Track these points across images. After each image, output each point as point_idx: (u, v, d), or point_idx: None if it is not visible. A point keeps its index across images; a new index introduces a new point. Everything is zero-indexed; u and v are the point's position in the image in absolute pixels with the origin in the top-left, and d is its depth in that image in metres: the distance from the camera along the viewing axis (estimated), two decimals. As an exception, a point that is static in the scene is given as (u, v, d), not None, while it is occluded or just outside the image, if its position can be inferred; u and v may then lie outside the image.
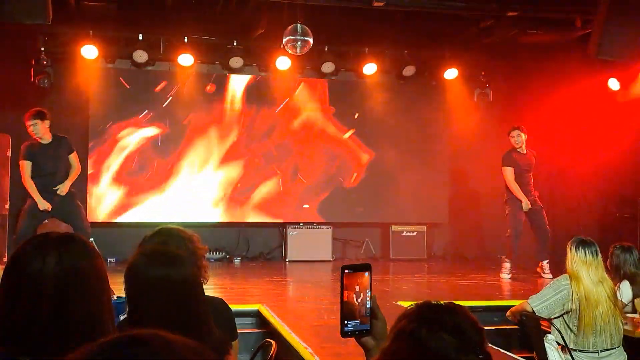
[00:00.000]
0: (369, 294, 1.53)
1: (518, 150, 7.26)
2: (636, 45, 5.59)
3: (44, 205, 6.09)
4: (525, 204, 7.09)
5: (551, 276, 6.93)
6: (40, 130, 6.17)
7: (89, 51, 7.96)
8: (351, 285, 1.51)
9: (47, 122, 6.24)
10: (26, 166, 6.17)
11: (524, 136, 7.23)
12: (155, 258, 1.85)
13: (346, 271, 1.50)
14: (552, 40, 8.00)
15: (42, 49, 7.89)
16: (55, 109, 8.11)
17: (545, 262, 7.23)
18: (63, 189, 6.25)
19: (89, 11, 7.85)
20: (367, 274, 1.53)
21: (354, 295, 1.51)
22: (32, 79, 7.84)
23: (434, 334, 1.21)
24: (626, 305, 4.16)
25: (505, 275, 7.15)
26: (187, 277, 1.83)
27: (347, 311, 1.51)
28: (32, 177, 6.18)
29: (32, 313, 1.29)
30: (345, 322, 1.52)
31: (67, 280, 1.32)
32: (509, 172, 7.22)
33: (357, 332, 1.54)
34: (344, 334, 1.53)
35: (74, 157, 6.46)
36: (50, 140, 6.28)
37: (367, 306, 1.54)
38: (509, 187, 7.23)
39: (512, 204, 7.19)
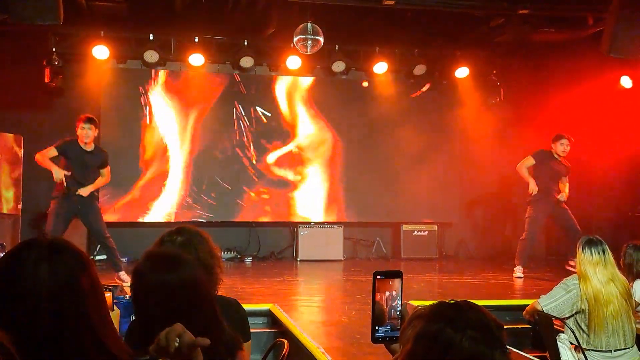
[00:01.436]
0: (399, 300, 1.56)
1: (555, 156, 7.22)
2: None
3: (59, 174, 6.12)
4: (532, 187, 7.03)
5: None
6: (91, 136, 6.33)
7: (100, 52, 8.02)
8: (382, 289, 1.53)
9: (96, 131, 6.43)
10: (51, 152, 6.26)
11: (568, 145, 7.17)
12: (158, 263, 1.85)
13: (378, 277, 1.54)
14: (564, 39, 7.96)
15: (54, 49, 7.95)
16: (66, 110, 8.23)
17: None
18: (85, 191, 6.32)
19: (100, 12, 7.90)
20: (398, 280, 1.56)
21: (385, 300, 1.54)
22: (47, 80, 7.91)
23: (461, 332, 1.21)
24: (639, 304, 4.14)
25: (519, 274, 7.13)
26: (189, 281, 1.82)
27: (378, 315, 1.54)
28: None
29: (28, 326, 1.25)
30: (377, 327, 1.54)
31: (61, 293, 1.27)
32: (527, 160, 7.20)
33: (387, 338, 1.56)
34: (375, 340, 1.56)
35: (106, 171, 6.61)
36: (91, 149, 6.39)
37: (398, 310, 1.56)
38: (518, 170, 7.18)
39: (534, 207, 7.16)
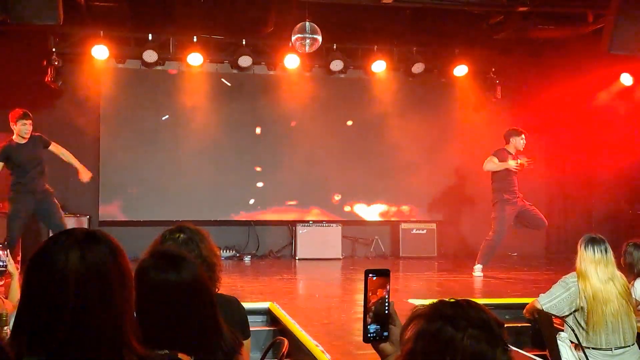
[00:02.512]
0: (387, 299, 1.52)
1: (512, 152, 7.14)
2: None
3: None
4: (514, 163, 6.92)
5: None
6: (30, 131, 6.18)
7: (100, 51, 8.01)
8: (374, 289, 1.49)
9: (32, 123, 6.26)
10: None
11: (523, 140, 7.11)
12: (161, 261, 1.84)
13: (370, 275, 1.49)
14: (563, 36, 7.92)
15: (54, 49, 7.94)
16: (66, 109, 8.22)
17: None
18: (85, 175, 6.32)
19: (99, 12, 7.88)
20: (387, 279, 1.52)
21: (376, 300, 1.50)
22: (48, 80, 7.89)
23: (462, 331, 1.19)
24: (640, 303, 4.11)
25: (479, 273, 7.04)
26: (192, 281, 1.81)
27: (370, 314, 1.50)
28: (14, 177, 6.22)
29: (55, 309, 1.29)
30: (368, 327, 1.50)
31: (89, 276, 1.32)
32: (495, 159, 7.03)
33: (377, 338, 1.52)
34: (367, 339, 1.51)
35: (54, 147, 6.37)
36: (26, 141, 6.24)
37: (386, 309, 1.52)
38: (496, 167, 6.98)
39: (499, 207, 7.02)
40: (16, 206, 6.19)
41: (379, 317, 1.51)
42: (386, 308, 1.52)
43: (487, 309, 1.27)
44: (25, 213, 6.23)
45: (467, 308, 1.24)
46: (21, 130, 6.15)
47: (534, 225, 7.20)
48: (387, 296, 1.52)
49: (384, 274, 1.51)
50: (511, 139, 7.14)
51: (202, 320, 1.79)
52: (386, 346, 1.52)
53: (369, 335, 1.50)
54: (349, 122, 9.10)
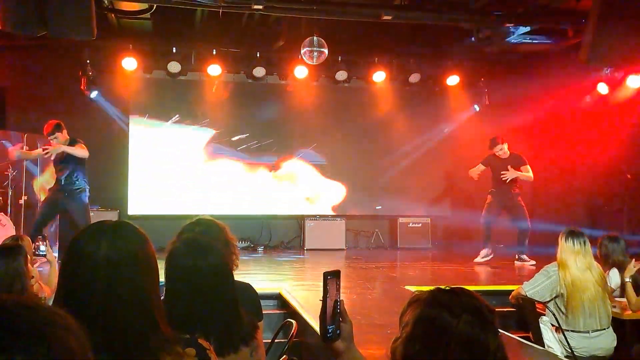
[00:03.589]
0: (339, 298, 1.45)
1: (498, 155, 7.23)
2: (624, 52, 5.48)
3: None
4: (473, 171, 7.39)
5: (534, 262, 6.85)
6: (57, 143, 6.18)
7: (129, 63, 8.04)
8: (331, 290, 1.43)
9: (64, 131, 6.22)
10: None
11: (506, 146, 7.18)
12: (191, 248, 1.85)
13: (329, 277, 1.41)
14: (546, 49, 7.89)
15: (88, 61, 7.98)
16: (99, 115, 8.26)
17: (523, 255, 7.13)
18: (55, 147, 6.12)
19: (129, 27, 7.92)
20: (338, 279, 1.45)
21: (333, 300, 1.43)
22: (82, 88, 7.93)
23: (457, 317, 1.19)
24: (614, 290, 4.09)
25: (480, 259, 7.14)
26: (217, 267, 1.83)
27: (330, 315, 1.42)
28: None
29: (87, 291, 1.30)
30: (328, 327, 1.42)
31: (118, 261, 1.32)
32: (480, 165, 7.42)
33: (333, 337, 1.44)
34: (326, 339, 1.43)
35: (78, 146, 6.23)
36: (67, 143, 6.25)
37: (338, 310, 1.45)
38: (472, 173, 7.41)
39: (491, 196, 7.27)
40: (48, 196, 6.40)
41: (334, 316, 1.44)
42: (338, 307, 1.45)
43: (479, 296, 1.26)
44: (54, 204, 6.26)
45: (461, 295, 1.23)
46: (55, 144, 6.20)
47: (516, 224, 7.31)
48: (339, 295, 1.45)
49: (337, 275, 1.44)
50: (493, 150, 7.29)
51: (223, 303, 1.81)
52: (339, 344, 1.46)
53: (328, 335, 1.43)
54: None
